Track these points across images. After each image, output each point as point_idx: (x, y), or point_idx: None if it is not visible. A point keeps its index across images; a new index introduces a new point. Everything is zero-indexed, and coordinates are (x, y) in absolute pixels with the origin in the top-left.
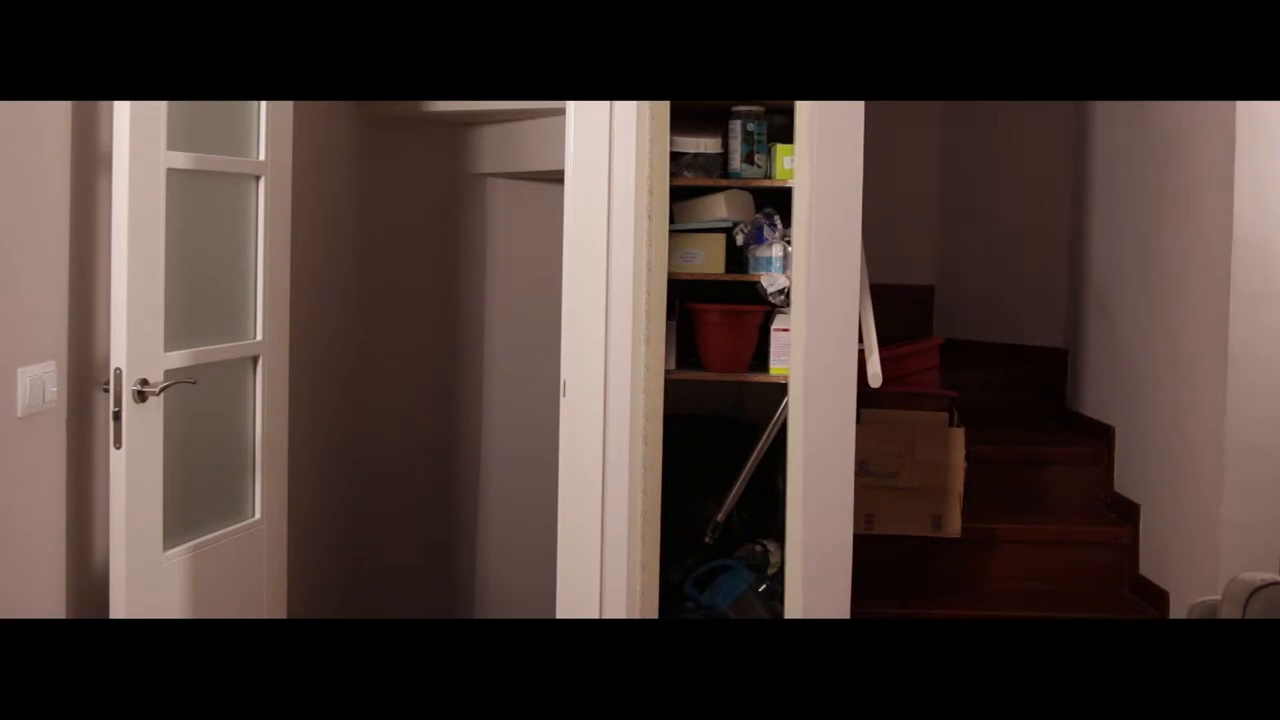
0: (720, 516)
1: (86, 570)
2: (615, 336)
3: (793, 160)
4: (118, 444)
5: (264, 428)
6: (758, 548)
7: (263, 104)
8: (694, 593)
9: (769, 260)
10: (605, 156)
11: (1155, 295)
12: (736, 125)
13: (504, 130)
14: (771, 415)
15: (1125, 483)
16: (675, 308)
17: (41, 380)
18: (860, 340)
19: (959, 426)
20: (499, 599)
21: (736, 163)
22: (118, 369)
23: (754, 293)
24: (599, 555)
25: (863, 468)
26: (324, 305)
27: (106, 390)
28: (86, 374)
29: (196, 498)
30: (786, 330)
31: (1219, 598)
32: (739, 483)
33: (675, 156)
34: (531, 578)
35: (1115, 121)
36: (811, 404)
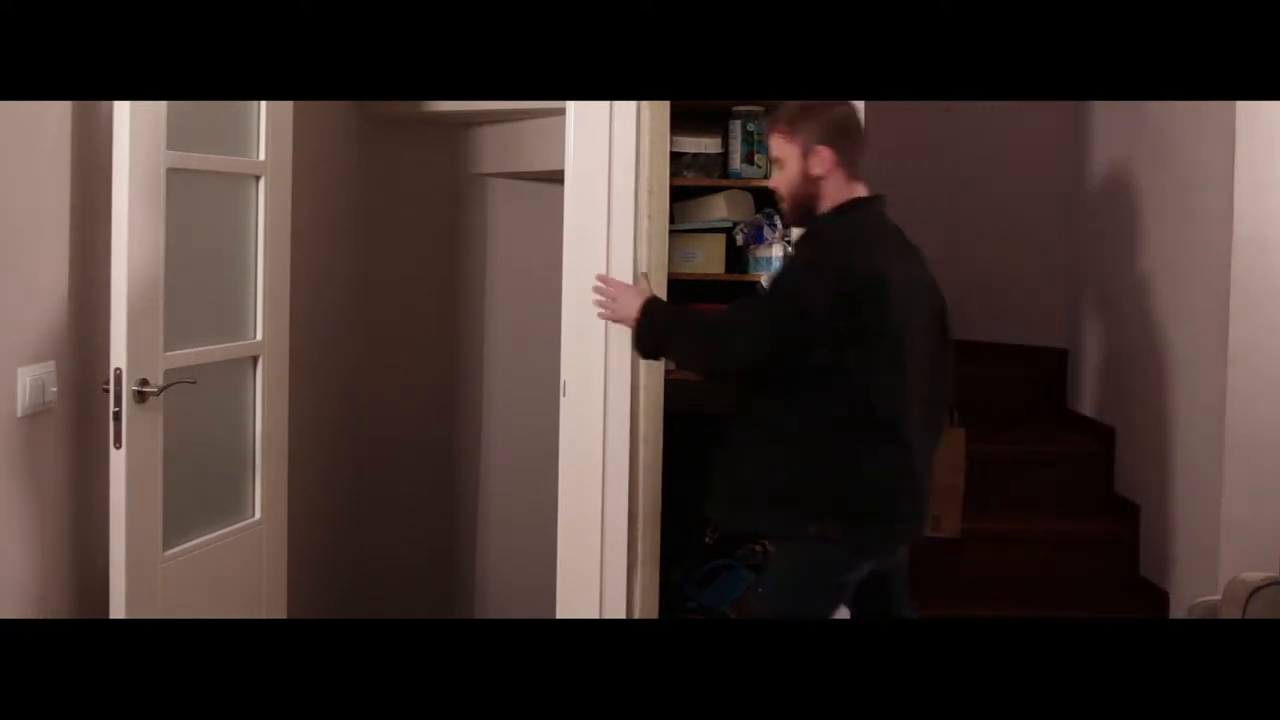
0: None
1: (86, 570)
2: (615, 336)
3: None
4: (118, 444)
5: (264, 427)
6: (758, 548)
7: (263, 104)
8: (694, 593)
9: (769, 260)
10: (605, 156)
11: (1155, 294)
12: (736, 125)
13: (504, 130)
14: None
15: (1125, 483)
16: None
17: (41, 380)
18: None
19: (959, 426)
20: (499, 599)
21: (736, 163)
22: (118, 369)
23: (754, 293)
24: (599, 555)
25: None
26: (324, 305)
27: (106, 390)
28: (86, 374)
29: (196, 498)
30: None
31: (1219, 598)
32: None
33: (675, 156)
34: (531, 578)
35: (1115, 122)
36: None
